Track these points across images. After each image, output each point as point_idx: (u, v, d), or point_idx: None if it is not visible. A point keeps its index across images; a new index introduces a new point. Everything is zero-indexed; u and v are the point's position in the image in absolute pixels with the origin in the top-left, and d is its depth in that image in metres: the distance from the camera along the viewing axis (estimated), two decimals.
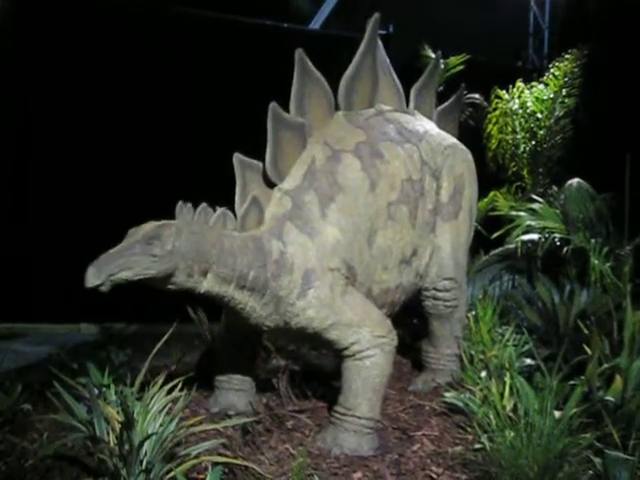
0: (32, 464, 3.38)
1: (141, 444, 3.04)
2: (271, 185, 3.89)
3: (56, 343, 5.92)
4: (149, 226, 3.37)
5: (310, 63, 4.07)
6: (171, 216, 3.53)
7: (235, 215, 3.72)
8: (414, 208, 4.32)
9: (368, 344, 3.75)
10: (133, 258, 3.23)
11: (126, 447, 3.03)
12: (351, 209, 3.93)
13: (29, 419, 3.92)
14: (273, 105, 3.85)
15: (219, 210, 3.63)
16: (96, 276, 3.16)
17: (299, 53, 4.04)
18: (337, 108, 4.31)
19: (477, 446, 3.72)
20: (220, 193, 3.75)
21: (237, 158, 3.81)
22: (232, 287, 3.55)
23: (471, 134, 6.83)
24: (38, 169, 7.25)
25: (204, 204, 3.59)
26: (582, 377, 3.87)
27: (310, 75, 4.09)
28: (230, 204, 3.74)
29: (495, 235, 6.37)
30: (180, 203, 3.53)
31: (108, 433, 3.24)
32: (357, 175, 4.02)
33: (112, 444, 3.16)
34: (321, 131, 4.12)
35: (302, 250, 3.73)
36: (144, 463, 3.06)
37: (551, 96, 7.24)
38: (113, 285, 3.21)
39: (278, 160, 3.88)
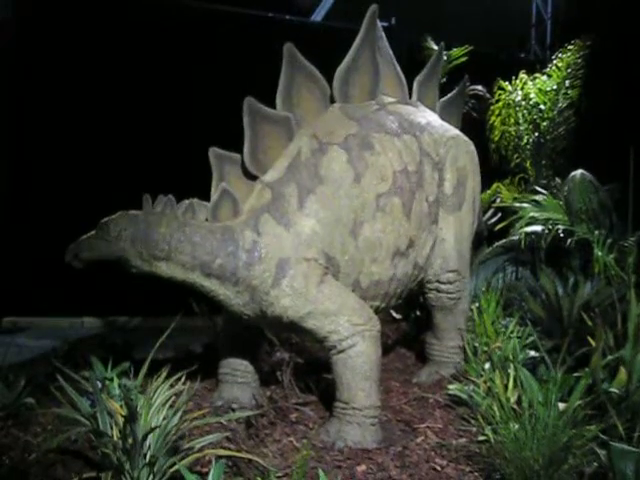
0: (35, 458, 3.37)
1: (144, 437, 3.04)
2: (251, 177, 3.93)
3: (59, 337, 5.92)
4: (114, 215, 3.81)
5: (301, 57, 4.05)
6: None
7: None
8: (409, 200, 4.28)
9: (347, 333, 3.76)
10: (92, 241, 3.76)
11: (129, 441, 3.03)
12: (332, 201, 3.93)
13: (32, 413, 3.91)
14: (249, 99, 3.88)
15: (188, 201, 3.81)
16: (68, 254, 3.80)
17: (288, 47, 4.03)
18: (334, 101, 4.29)
19: (481, 438, 3.72)
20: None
21: (213, 152, 3.90)
22: (197, 274, 3.73)
23: (474, 126, 6.80)
24: (38, 165, 7.25)
25: (170, 196, 3.81)
26: (586, 369, 3.85)
27: (301, 69, 4.07)
28: None
29: (498, 227, 6.36)
30: (145, 195, 3.80)
31: (111, 427, 3.24)
32: (341, 167, 4.00)
33: (115, 438, 3.16)
34: (312, 124, 4.11)
35: (276, 240, 3.77)
36: (148, 457, 3.06)
37: (554, 87, 7.20)
38: (83, 263, 3.80)
39: (258, 153, 3.91)
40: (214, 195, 3.83)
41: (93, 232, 3.78)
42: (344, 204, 3.97)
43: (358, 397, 3.76)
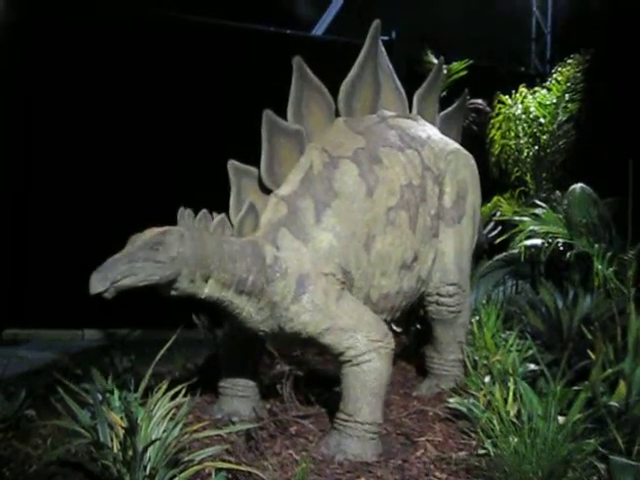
0: (36, 470, 3.38)
1: (145, 450, 3.05)
2: (267, 191, 3.91)
3: (60, 349, 5.95)
4: (152, 232, 3.41)
5: (309, 70, 4.08)
6: (170, 221, 3.55)
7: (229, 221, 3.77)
8: (414, 213, 4.32)
9: (364, 348, 3.74)
10: (137, 264, 3.27)
11: (130, 453, 3.04)
12: (347, 215, 3.94)
13: (33, 425, 3.92)
14: (267, 112, 3.86)
15: (219, 216, 3.69)
16: (100, 283, 3.18)
17: (297, 60, 4.06)
18: (338, 114, 4.32)
19: (481, 452, 3.71)
20: (218, 199, 3.79)
21: (232, 165, 3.84)
22: (231, 292, 3.62)
23: (474, 139, 6.83)
24: (40, 177, 7.27)
25: (204, 210, 3.64)
26: (586, 382, 3.85)
27: (309, 82, 4.10)
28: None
29: (499, 240, 6.36)
30: (182, 209, 3.58)
31: (112, 439, 3.25)
32: (354, 181, 4.02)
33: (116, 450, 3.17)
34: (320, 137, 4.13)
35: (296, 255, 3.75)
36: (148, 469, 3.06)
37: (554, 101, 7.24)
38: (117, 292, 3.25)
39: (274, 166, 3.90)
40: (241, 210, 3.76)
41: (131, 253, 3.29)
42: (358, 218, 3.98)
43: (363, 411, 3.74)
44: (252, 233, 3.78)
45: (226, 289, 3.60)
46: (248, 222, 3.77)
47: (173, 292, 3.48)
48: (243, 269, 3.61)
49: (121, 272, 3.23)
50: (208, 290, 3.56)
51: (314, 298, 3.71)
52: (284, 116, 4.04)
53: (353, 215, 3.97)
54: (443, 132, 5.03)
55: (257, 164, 3.89)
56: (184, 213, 3.57)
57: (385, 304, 4.22)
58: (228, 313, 3.76)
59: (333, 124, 4.27)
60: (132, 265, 3.26)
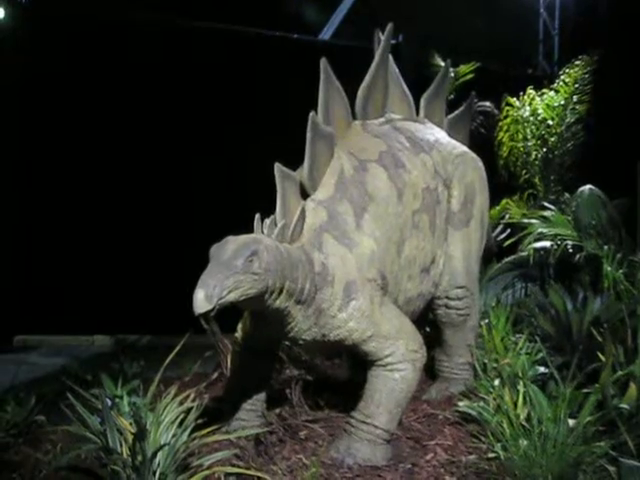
0: (46, 475, 3.40)
1: (154, 455, 3.06)
2: (304, 195, 3.80)
3: (70, 355, 5.97)
4: (239, 242, 3.22)
5: (332, 73, 4.07)
6: (182, 235, 3.51)
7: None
8: (433, 216, 4.34)
9: (402, 357, 3.72)
10: (238, 278, 3.08)
11: (139, 458, 3.05)
12: (383, 219, 3.92)
13: (43, 430, 3.94)
14: (312, 115, 3.77)
15: (281, 222, 3.51)
16: (208, 301, 2.96)
17: (324, 62, 4.04)
18: (354, 118, 4.32)
19: (491, 455, 3.70)
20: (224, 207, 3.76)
21: (278, 168, 3.65)
22: (291, 302, 3.47)
23: (482, 142, 6.82)
24: (50, 186, 7.31)
25: (273, 217, 3.52)
26: (596, 385, 3.84)
27: (332, 84, 4.10)
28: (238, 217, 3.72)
29: (507, 243, 6.36)
30: (258, 215, 3.46)
31: (121, 444, 3.26)
32: (385, 185, 4.01)
33: (125, 455, 3.18)
34: (343, 140, 4.10)
35: (342, 261, 3.67)
36: (157, 474, 3.07)
37: (562, 103, 7.23)
38: (224, 307, 3.06)
39: (314, 170, 3.81)
40: (295, 215, 3.59)
41: (230, 265, 3.09)
42: (392, 222, 3.97)
43: (382, 417, 3.71)
44: (298, 239, 3.65)
45: (289, 299, 3.44)
46: (298, 228, 3.63)
47: (257, 306, 3.34)
48: (302, 277, 3.46)
49: (227, 287, 3.04)
50: (279, 302, 3.39)
51: (362, 305, 3.65)
52: (292, 123, 4.02)
53: (389, 219, 3.95)
54: (450, 135, 5.03)
55: (257, 169, 3.83)
56: (259, 220, 3.46)
57: (408, 308, 4.21)
58: (278, 324, 3.61)
59: (351, 127, 4.26)
60: (234, 279, 3.07)
